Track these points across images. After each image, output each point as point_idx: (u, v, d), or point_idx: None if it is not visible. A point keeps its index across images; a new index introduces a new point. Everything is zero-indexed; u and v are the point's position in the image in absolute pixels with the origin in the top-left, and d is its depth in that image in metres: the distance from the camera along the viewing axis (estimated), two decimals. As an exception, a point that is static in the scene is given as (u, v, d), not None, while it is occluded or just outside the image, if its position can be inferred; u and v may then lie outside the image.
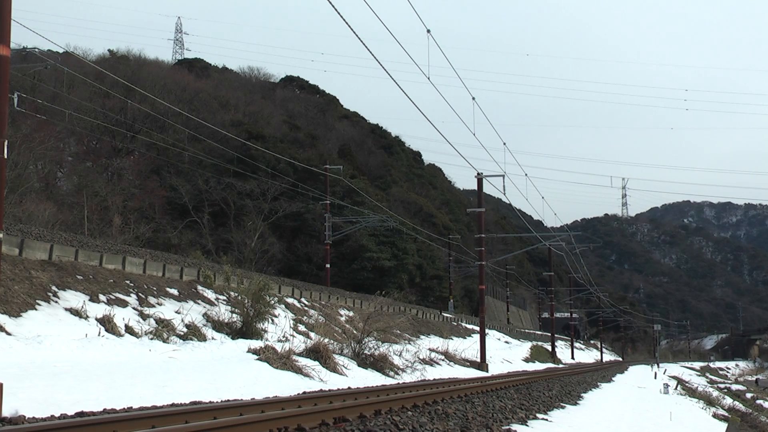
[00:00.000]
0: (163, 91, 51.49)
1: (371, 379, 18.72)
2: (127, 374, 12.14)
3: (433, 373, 23.61)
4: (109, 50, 70.64)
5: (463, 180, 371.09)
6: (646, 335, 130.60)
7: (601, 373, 35.30)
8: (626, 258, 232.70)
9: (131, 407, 9.40)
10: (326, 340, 20.01)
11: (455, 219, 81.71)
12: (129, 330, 16.49)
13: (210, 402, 10.55)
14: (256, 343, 18.13)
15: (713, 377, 66.34)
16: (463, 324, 53.54)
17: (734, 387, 51.02)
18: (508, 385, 18.18)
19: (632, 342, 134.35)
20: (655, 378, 38.09)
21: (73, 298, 16.61)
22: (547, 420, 12.18)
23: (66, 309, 15.90)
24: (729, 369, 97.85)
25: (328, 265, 44.46)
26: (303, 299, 29.39)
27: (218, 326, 20.02)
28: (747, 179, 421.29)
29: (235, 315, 20.87)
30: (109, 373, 11.97)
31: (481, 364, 29.93)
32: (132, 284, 19.59)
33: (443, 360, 27.98)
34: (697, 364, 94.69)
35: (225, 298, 23.29)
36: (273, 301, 22.65)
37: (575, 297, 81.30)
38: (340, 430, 8.28)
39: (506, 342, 56.13)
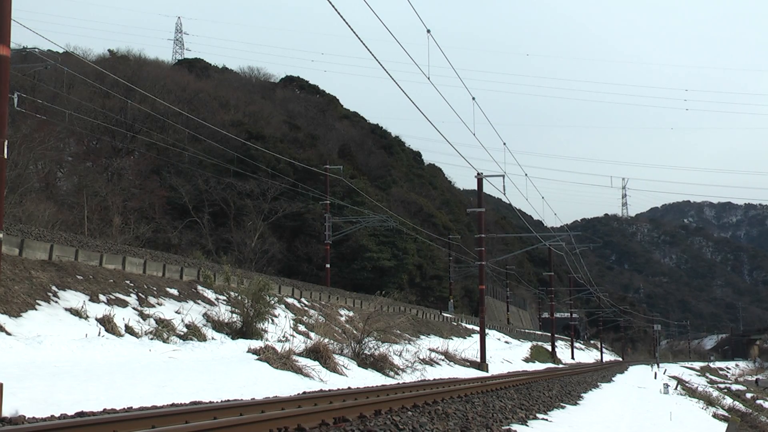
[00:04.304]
0: (163, 91, 51.45)
1: (371, 379, 18.72)
2: (127, 374, 12.14)
3: (433, 373, 23.61)
4: (109, 50, 70.69)
5: (463, 180, 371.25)
6: (646, 335, 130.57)
7: (601, 373, 35.29)
8: (626, 258, 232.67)
9: (131, 407, 9.40)
10: (326, 340, 20.01)
11: (455, 219, 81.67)
12: (129, 330, 16.49)
13: (210, 402, 10.55)
14: (256, 343, 18.14)
15: (713, 377, 66.33)
16: (463, 324, 53.53)
17: (734, 387, 51.03)
18: (508, 385, 18.18)
19: (632, 342, 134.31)
20: (655, 378, 38.09)
21: (73, 298, 16.61)
22: (547, 420, 12.17)
23: (66, 309, 15.91)
24: (729, 369, 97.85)
25: (328, 265, 44.45)
26: (303, 299, 29.39)
27: (218, 326, 20.02)
28: (747, 179, 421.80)
29: (235, 315, 20.87)
30: (109, 373, 11.96)
31: (481, 364, 29.93)
32: (132, 284, 19.59)
33: (443, 360, 27.97)
34: (697, 364, 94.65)
35: (225, 298, 23.29)
36: (273, 301, 22.64)
37: (575, 297, 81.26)
38: (340, 430, 8.27)
39: (506, 342, 56.12)
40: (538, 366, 42.05)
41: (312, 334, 23.43)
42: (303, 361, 16.97)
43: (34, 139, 34.15)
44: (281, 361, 16.29)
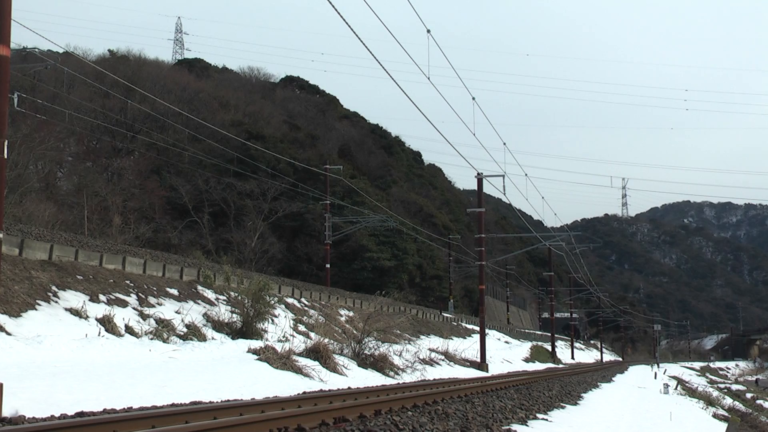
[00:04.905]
0: (163, 91, 51.45)
1: (371, 379, 18.72)
2: (127, 374, 12.14)
3: (433, 373, 23.61)
4: (109, 50, 70.66)
5: (463, 180, 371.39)
6: (646, 335, 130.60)
7: (601, 373, 35.29)
8: (626, 258, 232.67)
9: (131, 407, 9.40)
10: (326, 340, 20.01)
11: (455, 219, 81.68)
12: (129, 330, 16.49)
13: (210, 402, 10.55)
14: (256, 343, 18.13)
15: (713, 377, 66.33)
16: (463, 324, 53.53)
17: (734, 387, 51.03)
18: (508, 385, 18.18)
19: (632, 342, 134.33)
20: (655, 378, 38.09)
21: (73, 298, 16.61)
22: (547, 420, 12.17)
23: (66, 309, 15.90)
24: (729, 369, 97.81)
25: (328, 265, 44.45)
26: (303, 299, 29.39)
27: (218, 326, 20.02)
28: (747, 179, 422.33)
29: (235, 315, 20.87)
30: (109, 373, 11.96)
31: (481, 364, 29.92)
32: (132, 284, 19.59)
33: (443, 360, 27.97)
34: (697, 364, 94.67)
35: (225, 298, 23.29)
36: (273, 301, 22.65)
37: (575, 297, 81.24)
38: (340, 430, 8.27)
39: (506, 342, 56.13)
40: (538, 366, 42.05)
41: (312, 334, 23.43)
42: (303, 361, 16.97)
43: (34, 139, 34.15)
44: (281, 361, 16.28)
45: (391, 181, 72.55)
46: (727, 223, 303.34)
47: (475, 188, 33.19)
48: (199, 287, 23.04)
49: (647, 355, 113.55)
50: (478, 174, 31.80)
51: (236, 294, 22.36)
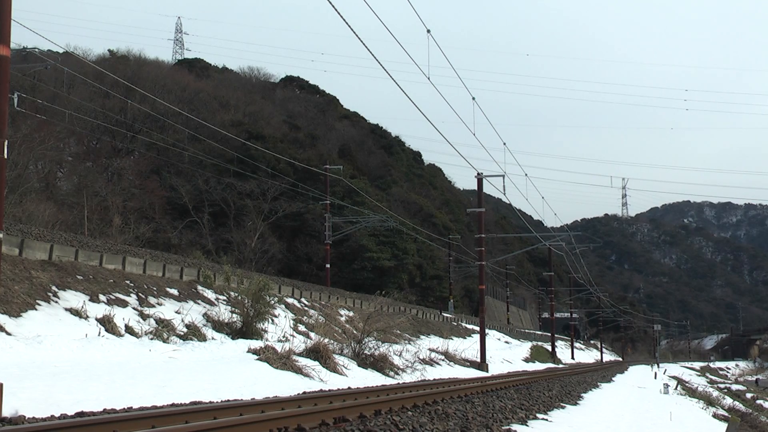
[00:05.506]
0: (163, 91, 51.48)
1: (371, 379, 18.72)
2: (127, 374, 12.13)
3: (433, 373, 23.61)
4: (109, 50, 70.75)
5: (463, 180, 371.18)
6: (646, 335, 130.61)
7: (601, 373, 35.29)
8: (626, 258, 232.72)
9: (131, 407, 9.40)
10: (326, 340, 20.01)
11: (455, 219, 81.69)
12: (129, 330, 16.50)
13: (210, 402, 10.55)
14: (256, 343, 18.14)
15: (713, 377, 66.32)
16: (463, 324, 53.54)
17: (734, 387, 51.03)
18: (508, 385, 18.18)
19: (632, 342, 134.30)
20: (655, 378, 38.09)
21: (73, 298, 16.61)
22: (547, 420, 12.17)
23: (66, 309, 15.91)
24: (729, 369, 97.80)
25: (328, 265, 44.46)
26: (303, 299, 29.39)
27: (218, 326, 20.02)
28: (747, 179, 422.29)
29: (235, 315, 20.87)
30: (109, 373, 11.96)
31: (481, 364, 29.93)
32: (132, 284, 19.59)
33: (443, 360, 27.97)
34: (697, 364, 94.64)
35: (225, 298, 23.29)
36: (273, 301, 22.65)
37: (575, 297, 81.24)
38: (340, 430, 8.27)
39: (506, 342, 56.13)
40: (538, 366, 42.05)
41: (312, 334, 23.43)
42: (303, 361, 16.97)
43: (34, 139, 34.15)
44: (281, 361, 16.28)
45: (391, 181, 72.56)
46: (727, 223, 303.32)
47: (475, 188, 33.21)
48: (199, 287, 23.05)
49: (647, 355, 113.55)
50: (478, 174, 31.81)
51: (236, 294, 22.37)
